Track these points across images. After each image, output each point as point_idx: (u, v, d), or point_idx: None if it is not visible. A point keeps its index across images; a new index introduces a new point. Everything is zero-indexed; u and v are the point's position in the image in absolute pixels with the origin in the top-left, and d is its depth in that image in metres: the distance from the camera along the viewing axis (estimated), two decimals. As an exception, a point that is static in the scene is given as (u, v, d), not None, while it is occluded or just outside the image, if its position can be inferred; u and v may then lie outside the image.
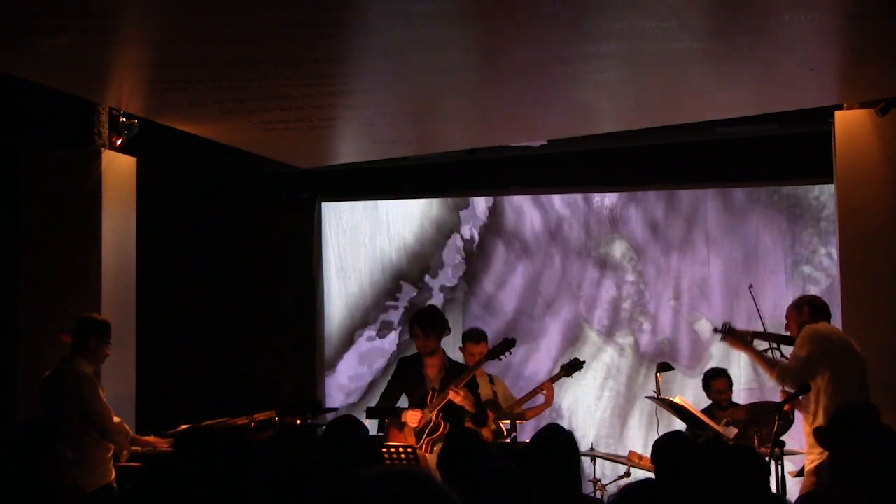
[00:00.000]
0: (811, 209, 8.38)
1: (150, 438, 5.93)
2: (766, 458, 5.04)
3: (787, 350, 6.15)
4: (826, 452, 5.36)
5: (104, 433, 5.65)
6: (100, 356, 5.82)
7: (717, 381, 7.12)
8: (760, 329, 6.44)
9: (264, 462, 3.96)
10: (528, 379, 8.48)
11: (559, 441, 3.95)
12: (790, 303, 6.33)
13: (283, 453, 3.97)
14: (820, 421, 5.70)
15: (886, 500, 3.59)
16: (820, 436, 5.15)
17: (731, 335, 6.22)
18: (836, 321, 6.37)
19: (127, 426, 5.91)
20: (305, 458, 4.12)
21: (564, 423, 8.35)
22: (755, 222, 8.48)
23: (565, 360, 7.24)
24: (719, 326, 6.34)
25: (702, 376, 7.35)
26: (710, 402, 7.14)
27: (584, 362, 6.86)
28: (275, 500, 3.87)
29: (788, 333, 6.14)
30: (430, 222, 9.21)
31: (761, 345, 6.25)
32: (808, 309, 6.02)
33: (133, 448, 5.84)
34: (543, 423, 4.88)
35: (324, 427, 4.76)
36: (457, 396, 6.08)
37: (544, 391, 6.77)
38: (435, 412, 6.14)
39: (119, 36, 5.17)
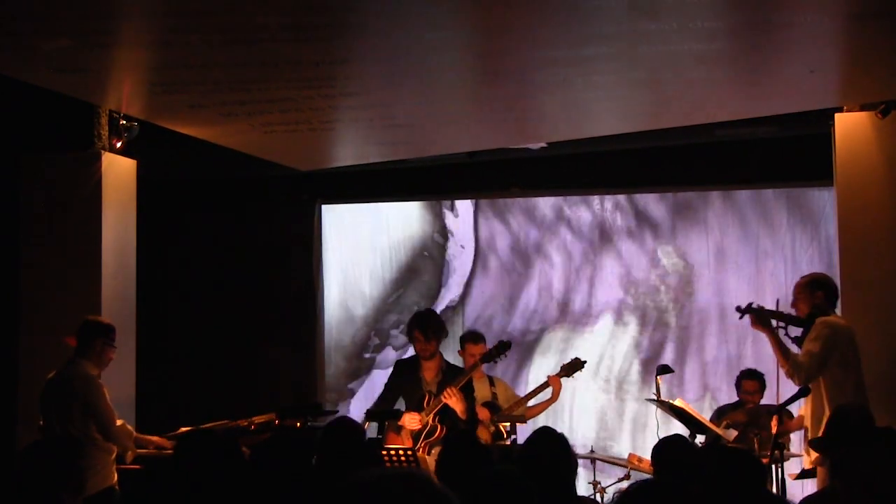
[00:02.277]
0: (811, 211, 8.38)
1: (155, 438, 5.93)
2: (767, 461, 5.03)
3: (793, 331, 5.83)
4: None
5: (108, 435, 5.66)
6: (105, 359, 5.84)
7: (748, 381, 7.07)
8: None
9: (263, 464, 3.96)
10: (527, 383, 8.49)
11: (550, 443, 3.95)
12: (800, 279, 6.02)
13: (282, 455, 3.96)
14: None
15: (887, 501, 3.59)
16: (816, 445, 5.10)
17: (754, 313, 5.78)
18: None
19: (130, 427, 5.91)
20: (304, 460, 4.12)
21: (565, 426, 8.36)
22: (755, 224, 8.48)
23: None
24: (742, 305, 5.89)
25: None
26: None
27: (585, 362, 6.86)
28: (274, 501, 3.86)
29: (796, 313, 5.86)
30: (429, 224, 9.21)
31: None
32: (822, 294, 5.77)
33: (138, 450, 5.84)
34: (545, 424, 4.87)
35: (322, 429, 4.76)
36: (450, 399, 6.07)
37: (550, 385, 6.75)
38: (431, 415, 6.13)
39: (119, 38, 5.17)
